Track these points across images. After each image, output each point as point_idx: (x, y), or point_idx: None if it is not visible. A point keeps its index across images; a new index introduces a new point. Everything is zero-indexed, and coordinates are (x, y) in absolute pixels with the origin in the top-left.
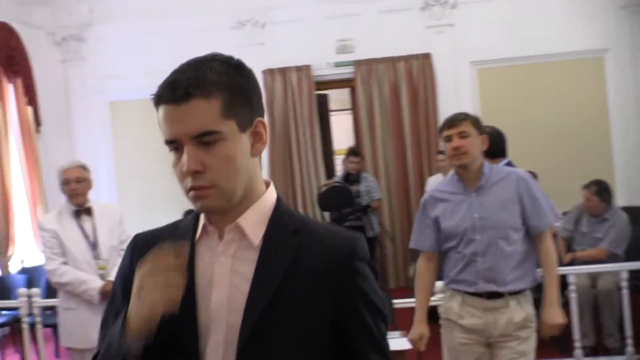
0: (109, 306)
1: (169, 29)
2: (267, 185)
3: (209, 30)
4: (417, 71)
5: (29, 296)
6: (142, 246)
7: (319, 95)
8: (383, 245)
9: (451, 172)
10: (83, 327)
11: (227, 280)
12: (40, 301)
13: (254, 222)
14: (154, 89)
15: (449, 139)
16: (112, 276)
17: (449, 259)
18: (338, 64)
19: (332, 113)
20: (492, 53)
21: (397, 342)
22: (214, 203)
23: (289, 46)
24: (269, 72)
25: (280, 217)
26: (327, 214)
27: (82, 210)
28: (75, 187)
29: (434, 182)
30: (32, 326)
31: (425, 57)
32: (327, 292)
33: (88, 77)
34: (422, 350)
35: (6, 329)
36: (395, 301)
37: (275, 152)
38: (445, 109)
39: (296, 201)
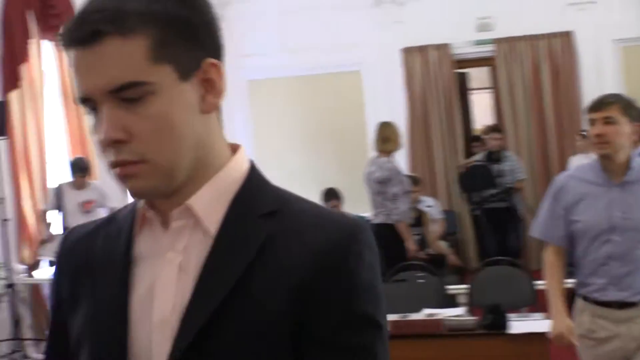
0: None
1: (308, 7)
2: (235, 150)
3: (348, 8)
4: (559, 50)
5: None
6: (71, 245)
7: (459, 74)
8: (526, 229)
9: (593, 157)
10: None
11: (173, 285)
12: None
13: (210, 202)
14: (293, 67)
15: (592, 122)
16: None
17: (576, 259)
18: (478, 42)
19: (471, 92)
20: (637, 30)
21: (539, 324)
22: (148, 183)
23: (428, 24)
24: (408, 51)
25: (249, 195)
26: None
27: None
28: None
29: (577, 163)
30: None
31: (567, 35)
32: (303, 295)
33: (227, 55)
34: (573, 342)
35: None
36: (537, 282)
37: (414, 132)
38: (588, 89)
39: (436, 182)
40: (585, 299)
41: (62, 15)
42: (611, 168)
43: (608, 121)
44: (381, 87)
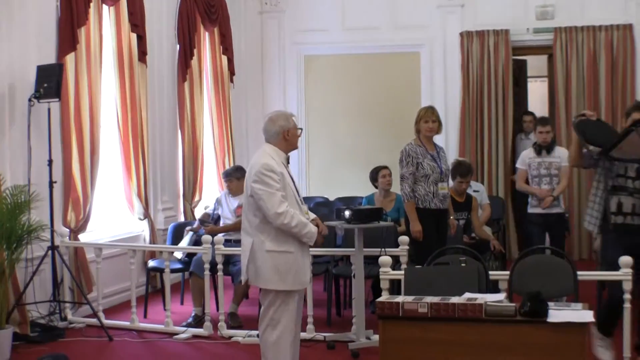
0: None
1: None
2: None
3: None
4: (618, 42)
5: (212, 244)
6: None
7: (517, 61)
8: (572, 222)
9: None
10: (297, 270)
11: None
12: (223, 249)
13: None
14: (351, 45)
15: None
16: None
17: None
18: (537, 30)
19: (529, 80)
20: None
21: (579, 313)
22: None
23: (489, 9)
24: (467, 35)
25: None
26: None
27: (287, 158)
28: (300, 134)
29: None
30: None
31: (627, 28)
32: None
33: (285, 29)
34: None
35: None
36: (579, 273)
37: (467, 116)
38: None
39: (483, 165)
40: None
41: (218, 13)
42: None
43: None
44: (438, 70)
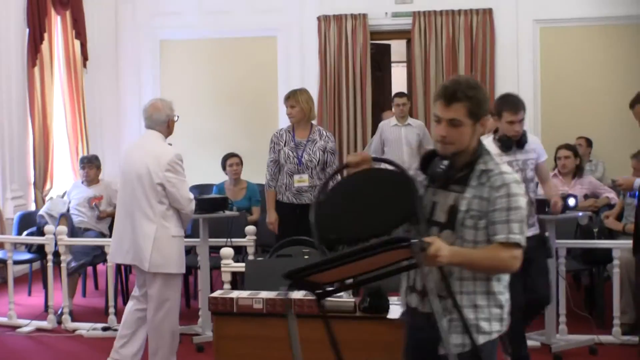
0: None
1: None
2: None
3: None
4: (477, 27)
5: (55, 234)
6: None
7: (380, 45)
8: None
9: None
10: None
11: None
12: (65, 240)
13: None
14: (207, 30)
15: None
16: None
17: None
18: (396, 14)
19: (392, 64)
20: (558, 12)
21: None
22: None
23: None
24: (324, 19)
25: None
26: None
27: None
28: None
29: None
30: (57, 264)
31: (487, 13)
32: None
33: (139, 13)
34: None
35: (36, 264)
36: None
37: (325, 100)
38: (504, 68)
39: (341, 151)
40: None
41: None
42: None
43: None
44: (295, 55)
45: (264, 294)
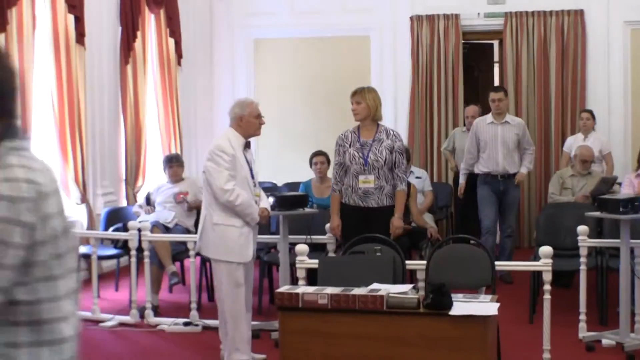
0: None
1: None
2: None
3: None
4: (568, 27)
5: (139, 230)
6: None
7: (478, 45)
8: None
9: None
10: (240, 244)
11: None
12: (149, 235)
13: None
14: (300, 28)
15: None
16: (263, 204)
17: None
18: (488, 15)
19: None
20: None
21: (484, 306)
22: None
23: None
24: (417, 19)
25: None
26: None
27: (247, 143)
28: (263, 122)
29: (573, 142)
30: (140, 259)
31: (578, 14)
32: None
33: (234, 12)
34: None
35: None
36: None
37: (417, 99)
38: (595, 69)
39: (433, 151)
40: None
41: None
42: None
43: None
44: (388, 54)
45: (329, 290)
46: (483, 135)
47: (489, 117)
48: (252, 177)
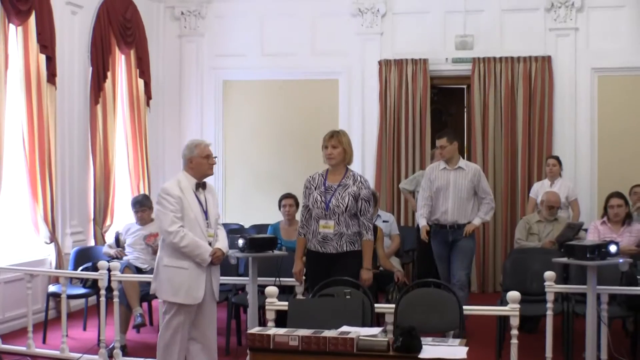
0: None
1: (288, 11)
2: None
3: (328, 16)
4: (536, 73)
5: (109, 269)
6: None
7: (447, 90)
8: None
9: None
10: (189, 285)
11: None
12: (119, 275)
13: None
14: (269, 70)
15: None
16: (218, 245)
17: None
18: (456, 60)
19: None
20: (616, 61)
21: (453, 350)
22: None
23: (408, 38)
24: (385, 63)
25: None
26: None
27: (200, 184)
28: (214, 163)
29: (540, 187)
30: (110, 299)
31: (546, 60)
32: None
33: (204, 53)
34: None
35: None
36: (466, 307)
37: (384, 143)
38: (562, 115)
39: (400, 194)
40: None
41: (135, 35)
42: None
43: None
44: (356, 97)
45: (301, 332)
46: (436, 181)
47: (442, 163)
48: (206, 217)
